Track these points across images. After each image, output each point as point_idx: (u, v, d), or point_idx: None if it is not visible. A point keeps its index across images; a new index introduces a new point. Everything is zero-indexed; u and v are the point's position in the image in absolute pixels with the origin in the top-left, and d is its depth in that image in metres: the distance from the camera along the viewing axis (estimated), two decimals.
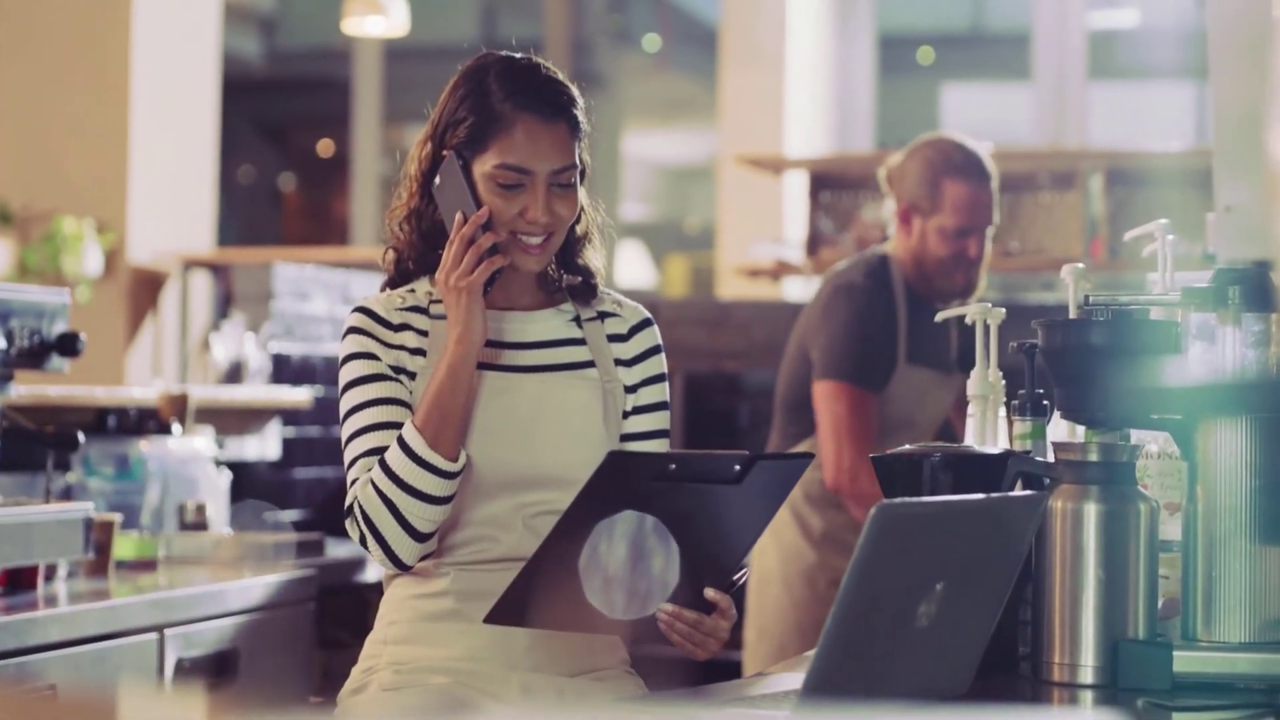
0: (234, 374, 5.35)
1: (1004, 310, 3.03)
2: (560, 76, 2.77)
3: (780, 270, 7.08)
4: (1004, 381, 2.99)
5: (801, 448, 4.36)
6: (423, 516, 2.63)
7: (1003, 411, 3.00)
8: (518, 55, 2.77)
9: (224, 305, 7.01)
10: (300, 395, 5.46)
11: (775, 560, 4.43)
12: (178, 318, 7.14)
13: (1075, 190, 6.73)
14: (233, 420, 5.22)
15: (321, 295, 5.84)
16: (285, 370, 5.61)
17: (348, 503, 2.68)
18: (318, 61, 14.68)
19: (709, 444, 6.65)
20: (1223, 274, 2.49)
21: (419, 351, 2.74)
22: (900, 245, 4.39)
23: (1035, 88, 8.96)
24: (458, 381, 2.64)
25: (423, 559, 2.69)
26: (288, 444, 5.58)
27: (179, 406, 4.61)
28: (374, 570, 4.76)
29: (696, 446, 2.83)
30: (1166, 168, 6.88)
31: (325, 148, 15.07)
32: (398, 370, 2.73)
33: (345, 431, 2.72)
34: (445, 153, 2.72)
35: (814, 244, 7.07)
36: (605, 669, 2.74)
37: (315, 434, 5.75)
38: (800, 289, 7.90)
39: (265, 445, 5.43)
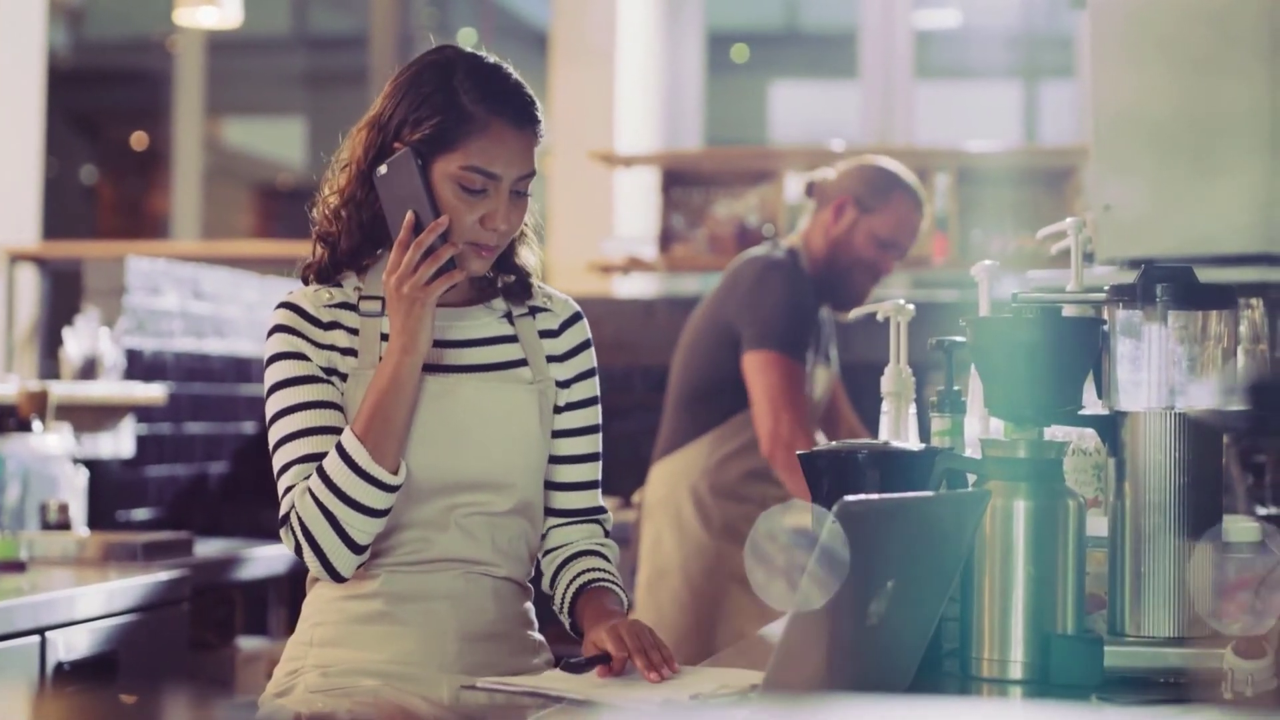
0: (88, 370, 5.24)
1: (914, 308, 3.04)
2: (522, 79, 2.71)
3: (632, 266, 7.07)
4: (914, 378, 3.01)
5: (704, 441, 4.39)
6: (362, 529, 2.56)
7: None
8: (481, 53, 2.68)
9: (51, 299, 6.88)
10: (155, 392, 5.37)
11: (674, 552, 4.42)
12: (4, 312, 6.99)
13: (925, 189, 6.80)
14: (88, 417, 5.11)
15: (174, 290, 5.74)
16: (137, 366, 5.51)
17: (283, 511, 2.59)
18: (129, 53, 14.39)
19: None
20: (1151, 271, 2.51)
21: (350, 351, 2.65)
22: (816, 235, 4.49)
23: (862, 87, 9.01)
24: (402, 392, 2.56)
25: None
26: (141, 441, 5.48)
27: (39, 403, 4.50)
28: (246, 570, 4.70)
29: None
30: (1002, 166, 6.98)
31: (139, 140, 14.80)
32: (329, 371, 2.64)
33: (274, 435, 2.62)
34: (397, 145, 2.62)
35: (666, 240, 7.06)
36: (535, 672, 2.69)
37: (168, 431, 5.65)
38: (653, 285, 7.90)
39: (119, 442, 5.32)
